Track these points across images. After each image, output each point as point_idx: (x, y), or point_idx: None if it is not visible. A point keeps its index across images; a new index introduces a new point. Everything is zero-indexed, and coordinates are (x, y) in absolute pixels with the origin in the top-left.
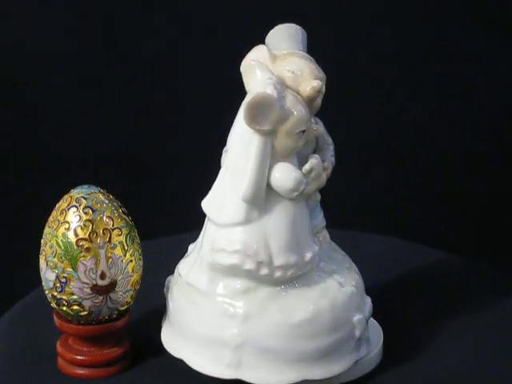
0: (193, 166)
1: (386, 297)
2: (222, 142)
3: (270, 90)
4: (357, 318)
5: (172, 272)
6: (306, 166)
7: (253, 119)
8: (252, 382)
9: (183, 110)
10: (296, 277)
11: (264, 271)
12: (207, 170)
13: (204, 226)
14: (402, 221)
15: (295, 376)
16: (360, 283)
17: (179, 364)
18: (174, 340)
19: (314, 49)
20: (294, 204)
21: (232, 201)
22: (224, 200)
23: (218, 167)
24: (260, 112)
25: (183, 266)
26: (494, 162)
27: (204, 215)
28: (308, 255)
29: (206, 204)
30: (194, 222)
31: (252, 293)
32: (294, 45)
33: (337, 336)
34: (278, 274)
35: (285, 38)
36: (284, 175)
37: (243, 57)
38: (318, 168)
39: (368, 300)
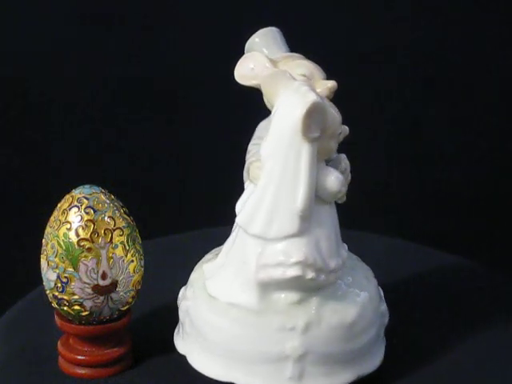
0: (193, 166)
1: (386, 297)
2: (223, 142)
3: (315, 97)
4: (383, 306)
5: (173, 272)
6: (342, 166)
7: (308, 129)
8: None
9: (183, 111)
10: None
11: (322, 277)
12: (207, 170)
13: (232, 245)
14: (402, 221)
15: (350, 375)
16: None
17: (180, 364)
18: (214, 362)
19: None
20: (330, 207)
21: (282, 213)
22: (271, 214)
23: (218, 167)
24: (314, 120)
25: (214, 288)
26: (494, 162)
27: (204, 217)
28: (344, 254)
29: (245, 221)
30: (194, 222)
31: (306, 302)
32: (282, 47)
33: (376, 327)
34: (331, 278)
35: (271, 43)
36: (330, 178)
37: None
38: (348, 166)
39: (381, 291)
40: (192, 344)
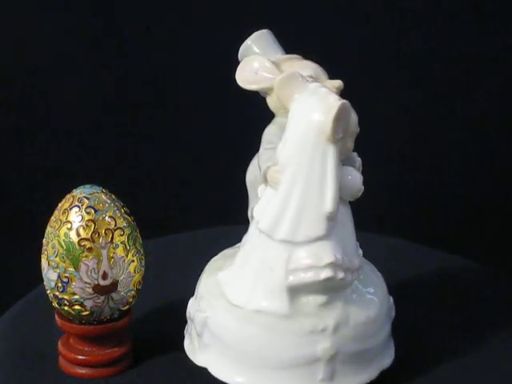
0: (194, 166)
1: None
2: (223, 142)
3: (338, 98)
4: (391, 299)
5: (173, 272)
6: (357, 164)
7: (337, 131)
8: None
9: (184, 110)
10: None
11: (349, 277)
12: (208, 170)
13: (252, 252)
14: (402, 221)
15: (374, 370)
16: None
17: (180, 364)
18: (241, 371)
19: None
20: (347, 206)
21: (309, 216)
22: (298, 218)
23: (219, 167)
24: (341, 122)
25: (235, 296)
26: (494, 162)
27: (204, 217)
28: (360, 252)
29: (269, 227)
30: (194, 222)
31: (334, 302)
32: (277, 49)
33: (389, 320)
34: (355, 276)
35: (266, 46)
36: (352, 177)
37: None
38: (361, 164)
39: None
40: (214, 355)
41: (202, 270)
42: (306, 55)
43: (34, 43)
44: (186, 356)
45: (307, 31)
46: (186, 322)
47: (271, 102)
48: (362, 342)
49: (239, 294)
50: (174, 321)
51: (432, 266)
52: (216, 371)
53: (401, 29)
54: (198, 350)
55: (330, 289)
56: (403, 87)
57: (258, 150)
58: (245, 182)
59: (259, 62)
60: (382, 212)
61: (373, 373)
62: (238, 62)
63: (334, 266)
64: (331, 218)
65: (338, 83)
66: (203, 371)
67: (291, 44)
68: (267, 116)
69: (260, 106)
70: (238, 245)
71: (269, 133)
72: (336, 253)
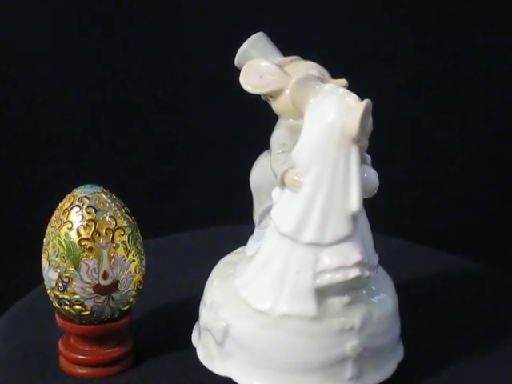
0: (195, 166)
1: None
2: (224, 142)
3: (357, 97)
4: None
5: (174, 272)
6: (368, 161)
7: (362, 130)
8: None
9: (184, 110)
10: None
11: (373, 274)
12: (209, 170)
13: (272, 257)
14: (402, 221)
15: (393, 364)
16: None
17: (181, 364)
18: (269, 377)
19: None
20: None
21: (335, 217)
22: (323, 219)
23: (220, 167)
24: (365, 121)
25: (259, 303)
26: (494, 162)
27: (205, 217)
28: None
29: (294, 231)
30: (195, 222)
31: (357, 300)
32: (275, 51)
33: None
34: (375, 273)
35: (264, 48)
36: (368, 174)
37: None
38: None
39: None
40: (237, 363)
41: (202, 270)
42: (301, 56)
43: (36, 42)
44: (187, 356)
45: (297, 32)
46: (186, 321)
47: (278, 104)
48: (383, 336)
49: (262, 299)
50: (175, 320)
51: (432, 266)
52: (241, 379)
53: (401, 28)
54: (219, 360)
55: (354, 287)
56: (403, 87)
57: (258, 151)
58: (245, 182)
59: (263, 66)
60: (382, 212)
61: (392, 366)
62: (236, 64)
63: (361, 264)
64: (355, 217)
65: (343, 81)
66: (204, 371)
67: (282, 45)
68: (267, 116)
69: (259, 107)
70: (237, 250)
71: (279, 136)
72: (362, 251)
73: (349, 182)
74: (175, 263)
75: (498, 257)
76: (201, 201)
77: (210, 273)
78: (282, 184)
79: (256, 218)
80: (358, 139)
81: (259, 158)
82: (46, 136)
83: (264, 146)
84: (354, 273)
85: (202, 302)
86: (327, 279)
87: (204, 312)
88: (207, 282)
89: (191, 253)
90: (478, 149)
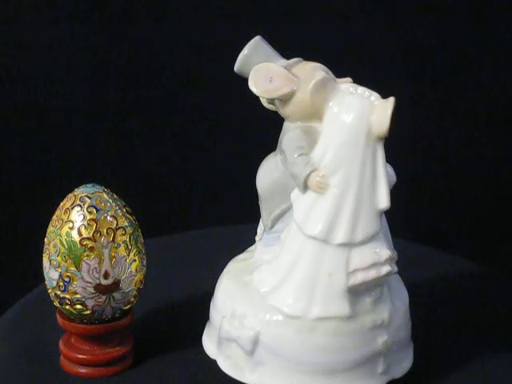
0: (196, 166)
1: None
2: (225, 142)
3: (378, 95)
4: None
5: (175, 271)
6: None
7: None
8: (398, 376)
9: (185, 110)
10: None
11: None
12: (210, 170)
13: (300, 261)
14: (402, 221)
15: (411, 355)
16: None
17: (181, 363)
18: (306, 381)
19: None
20: None
21: (364, 215)
22: (354, 218)
23: (221, 166)
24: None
25: (291, 308)
26: (494, 162)
27: (206, 217)
28: None
29: (325, 233)
30: (196, 222)
31: (383, 296)
32: (275, 54)
33: None
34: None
35: (267, 52)
36: (388, 170)
37: None
38: None
39: None
40: (271, 371)
41: (202, 270)
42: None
43: (35, 42)
44: (187, 355)
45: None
46: (186, 321)
47: (289, 107)
48: (405, 329)
49: (294, 304)
50: (176, 320)
51: (432, 266)
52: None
53: (400, 28)
54: (249, 370)
55: (379, 283)
56: (403, 87)
57: (258, 151)
58: (245, 182)
59: (272, 70)
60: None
61: (411, 357)
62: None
63: (391, 260)
64: (381, 213)
65: (348, 79)
66: (204, 370)
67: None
68: (267, 117)
69: (259, 107)
70: (241, 256)
71: (295, 139)
72: (389, 246)
73: (376, 180)
74: (176, 263)
75: (498, 257)
76: (201, 201)
77: (210, 274)
78: (305, 187)
79: (268, 222)
80: (386, 137)
81: (265, 159)
82: (46, 135)
83: (264, 146)
84: (386, 269)
85: (215, 312)
86: (360, 278)
87: (225, 323)
88: (219, 291)
89: (192, 253)
90: (479, 149)
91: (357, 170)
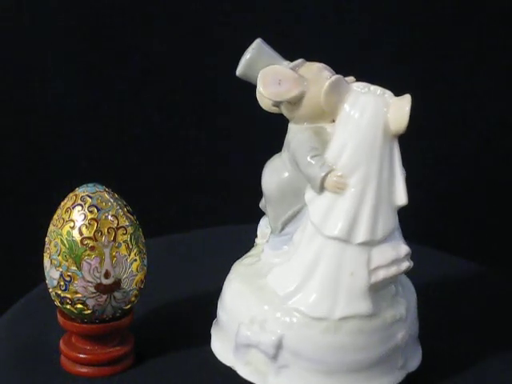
0: (197, 166)
1: None
2: (225, 142)
3: (391, 93)
4: None
5: (176, 271)
6: None
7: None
8: (412, 370)
9: (185, 110)
10: None
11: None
12: (211, 170)
13: (320, 262)
14: (402, 221)
15: (420, 348)
16: None
17: (182, 363)
18: (327, 381)
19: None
20: None
21: (384, 212)
22: (375, 217)
23: (222, 166)
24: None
25: (315, 309)
26: (494, 162)
27: (207, 216)
28: None
29: (346, 233)
30: (197, 221)
31: (398, 291)
32: (278, 55)
33: None
34: None
35: (270, 54)
36: None
37: None
38: None
39: None
40: (296, 373)
41: (203, 270)
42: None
43: (35, 43)
44: (188, 355)
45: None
46: (185, 322)
47: (299, 109)
48: (417, 322)
49: (316, 306)
50: (176, 320)
51: (432, 267)
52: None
53: (401, 27)
54: (273, 374)
55: (396, 279)
56: (402, 86)
57: (258, 151)
58: (245, 182)
59: (280, 72)
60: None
61: (420, 350)
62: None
63: (409, 254)
64: (396, 210)
65: (351, 78)
66: (205, 370)
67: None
68: (267, 117)
69: (258, 107)
70: (246, 261)
71: (307, 140)
72: (405, 242)
73: (394, 177)
74: (176, 263)
75: (498, 257)
76: (201, 201)
77: (210, 273)
78: (322, 188)
79: (278, 224)
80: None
81: (270, 161)
82: (47, 135)
83: (265, 146)
84: (405, 264)
85: (227, 319)
86: (382, 275)
87: (243, 328)
88: (230, 297)
89: (192, 252)
90: (479, 149)
91: (375, 168)
